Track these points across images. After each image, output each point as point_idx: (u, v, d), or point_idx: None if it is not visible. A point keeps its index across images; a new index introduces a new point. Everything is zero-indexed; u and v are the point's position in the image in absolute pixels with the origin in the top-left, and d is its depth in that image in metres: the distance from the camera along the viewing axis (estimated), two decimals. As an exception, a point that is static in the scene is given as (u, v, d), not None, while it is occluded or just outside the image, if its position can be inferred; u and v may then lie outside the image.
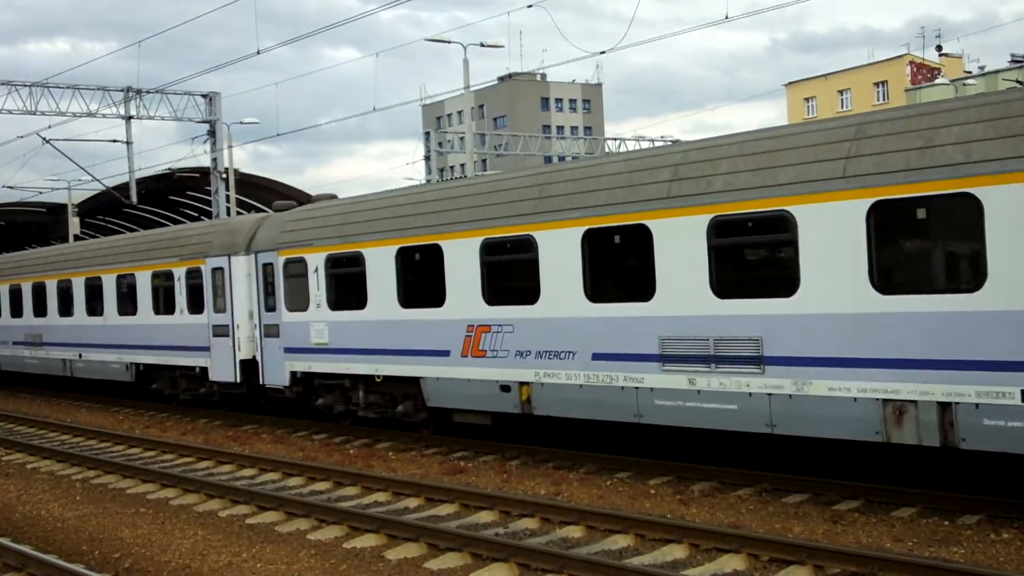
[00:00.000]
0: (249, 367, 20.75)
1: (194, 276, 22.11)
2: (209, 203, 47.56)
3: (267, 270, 19.96)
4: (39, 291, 29.49)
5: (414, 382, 16.81)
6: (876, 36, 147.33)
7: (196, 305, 22.08)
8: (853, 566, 9.10)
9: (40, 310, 29.42)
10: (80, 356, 27.13)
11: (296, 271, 19.18)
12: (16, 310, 31.13)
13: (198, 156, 46.27)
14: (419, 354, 16.53)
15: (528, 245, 14.68)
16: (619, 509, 11.96)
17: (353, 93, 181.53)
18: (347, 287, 18.16)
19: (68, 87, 40.74)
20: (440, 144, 52.65)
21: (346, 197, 19.99)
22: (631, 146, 55.72)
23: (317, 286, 18.64)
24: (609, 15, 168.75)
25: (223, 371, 21.31)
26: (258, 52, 35.87)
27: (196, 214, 57.21)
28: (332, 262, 18.38)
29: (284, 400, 20.44)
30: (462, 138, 52.66)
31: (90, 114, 41.13)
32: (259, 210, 46.55)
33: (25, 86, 40.15)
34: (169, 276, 23.01)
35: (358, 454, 17.09)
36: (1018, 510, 10.72)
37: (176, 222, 54.18)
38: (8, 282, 31.87)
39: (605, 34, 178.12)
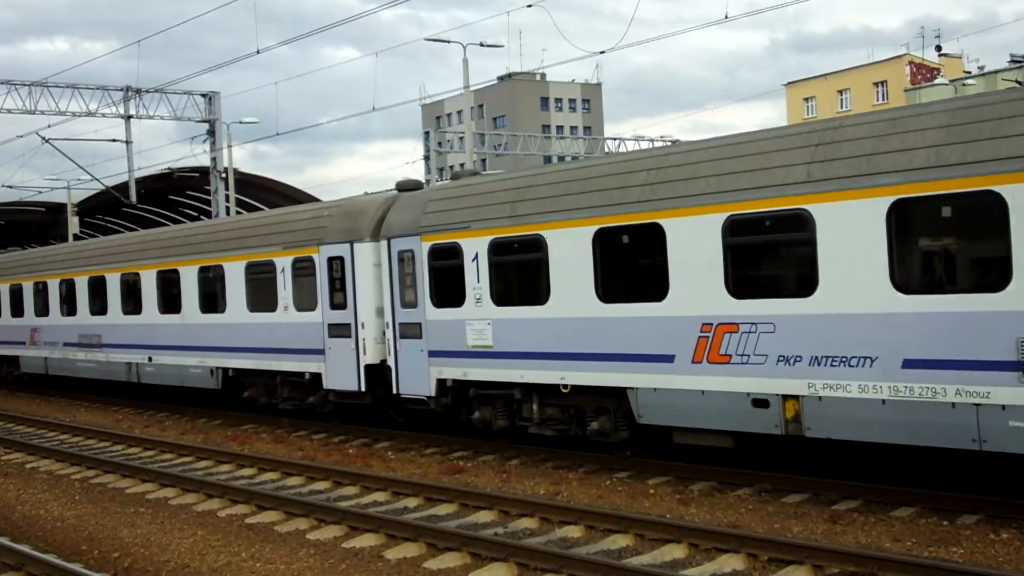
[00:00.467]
0: (375, 373, 17.63)
1: (303, 267, 18.94)
2: (209, 203, 47.56)
3: (404, 259, 16.76)
4: (98, 286, 25.96)
5: (617, 394, 13.83)
6: (875, 36, 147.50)
7: (306, 301, 18.90)
8: (852, 566, 9.10)
9: (99, 307, 25.88)
10: (150, 359, 23.71)
11: (446, 259, 16.05)
12: (69, 307, 27.51)
13: (197, 156, 46.33)
14: (627, 359, 13.47)
15: (798, 223, 11.65)
16: (618, 509, 11.96)
17: (353, 92, 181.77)
18: (520, 278, 15.28)
19: (67, 86, 40.73)
20: (440, 144, 52.60)
21: (516, 170, 16.38)
22: (631, 146, 55.69)
23: (476, 277, 15.49)
24: (609, 15, 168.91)
25: (342, 378, 18.11)
26: (258, 51, 36.06)
27: (196, 214, 57.19)
28: (498, 248, 15.23)
29: (424, 413, 17.36)
30: (462, 138, 52.65)
31: (89, 113, 41.13)
32: (256, 209, 46.55)
33: (25, 85, 40.14)
34: (269, 267, 19.80)
35: (357, 454, 17.09)
36: (1017, 510, 10.72)
37: (176, 222, 54.18)
38: (59, 276, 28.13)
39: (605, 34, 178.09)
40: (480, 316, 15.53)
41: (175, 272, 22.81)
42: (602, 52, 30.79)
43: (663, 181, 13.16)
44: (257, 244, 20.40)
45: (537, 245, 14.66)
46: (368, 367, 17.66)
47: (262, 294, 20.20)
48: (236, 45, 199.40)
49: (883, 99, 77.27)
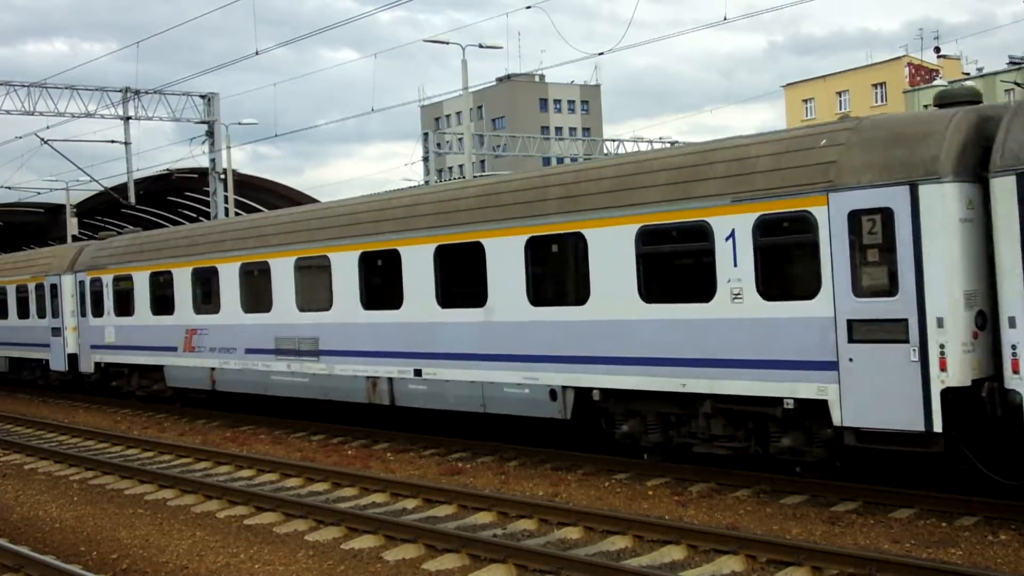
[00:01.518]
0: (956, 403, 10.85)
1: (782, 229, 12.16)
2: (207, 204, 47.56)
3: None
4: (312, 270, 18.96)
5: None
6: (874, 38, 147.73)
7: (790, 283, 12.26)
8: (851, 567, 9.11)
9: (315, 299, 18.84)
10: (417, 373, 16.65)
11: None
12: (257, 300, 20.32)
13: (196, 157, 46.34)
14: None
15: None
16: (617, 510, 11.96)
17: (351, 94, 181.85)
18: None
19: (66, 88, 40.73)
20: (439, 145, 52.67)
21: None
22: (630, 147, 55.72)
23: None
24: (607, 16, 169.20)
25: (884, 409, 11.15)
26: (256, 53, 35.83)
27: (194, 215, 57.22)
28: None
29: None
30: (460, 139, 52.66)
31: (88, 115, 41.12)
32: (256, 211, 46.54)
33: (24, 87, 40.14)
34: (694, 233, 12.83)
35: (356, 455, 17.08)
36: (1016, 512, 10.73)
37: (175, 223, 54.16)
38: (238, 258, 20.85)
39: (603, 35, 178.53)
40: None
41: (474, 247, 15.61)
42: (601, 54, 30.73)
43: None
44: (660, 198, 13.20)
45: None
46: (947, 392, 10.79)
47: (674, 274, 13.57)
48: (235, 47, 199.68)
49: (882, 100, 77.35)
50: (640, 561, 10.01)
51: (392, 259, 16.99)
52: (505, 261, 15.11)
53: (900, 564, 9.00)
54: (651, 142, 58.16)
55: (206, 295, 21.81)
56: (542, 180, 15.21)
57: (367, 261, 17.58)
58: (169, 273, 22.95)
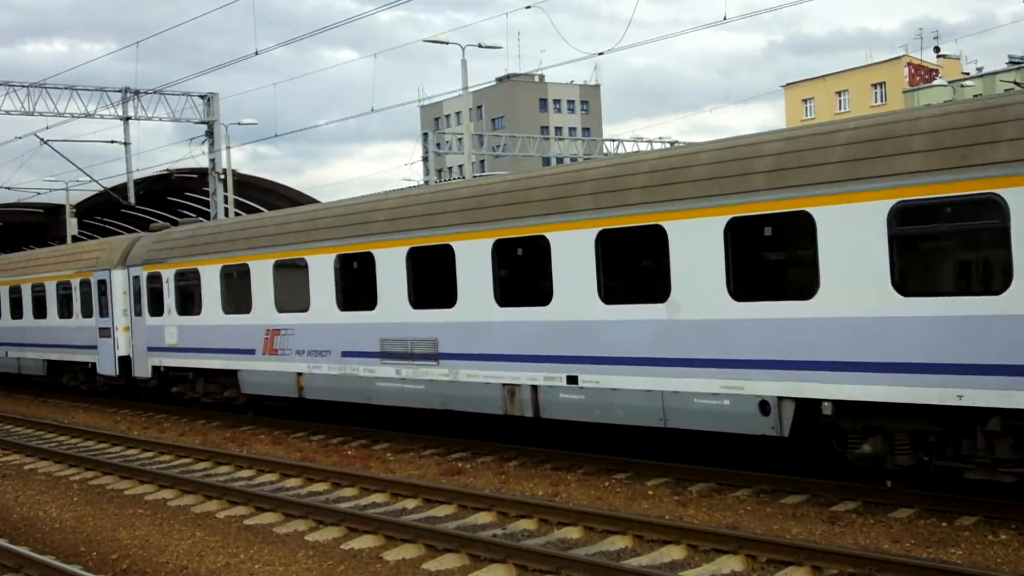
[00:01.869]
0: None
1: None
2: (207, 204, 47.55)
3: None
4: (428, 262, 16.30)
5: None
6: (874, 38, 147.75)
7: None
8: (851, 567, 9.10)
9: (432, 295, 16.27)
10: (572, 380, 14.10)
11: None
12: (354, 296, 17.70)
13: (196, 157, 46.32)
14: None
15: None
16: (617, 510, 11.96)
17: (351, 94, 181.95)
18: None
19: (66, 88, 40.72)
20: (438, 145, 52.69)
21: None
22: (629, 147, 55.74)
23: None
24: (607, 16, 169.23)
25: None
26: (256, 53, 35.79)
27: (194, 215, 57.23)
28: None
29: None
30: (460, 139, 52.68)
31: (88, 115, 41.11)
32: (256, 211, 46.49)
33: (23, 87, 40.12)
34: (984, 209, 10.15)
35: (356, 455, 17.08)
36: (1016, 512, 10.72)
37: (174, 223, 54.02)
38: (332, 249, 18.04)
39: (603, 35, 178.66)
40: None
41: (652, 232, 13.01)
42: (600, 54, 30.73)
43: None
44: (923, 167, 10.58)
45: None
46: None
47: (945, 260, 10.81)
48: (235, 47, 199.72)
49: (882, 100, 77.38)
50: (640, 561, 10.01)
51: (537, 247, 14.42)
52: (695, 248, 12.50)
53: (900, 564, 9.00)
54: (651, 142, 58.17)
55: (292, 291, 19.01)
56: (746, 150, 12.38)
57: (502, 250, 14.98)
58: (245, 266, 20.16)
